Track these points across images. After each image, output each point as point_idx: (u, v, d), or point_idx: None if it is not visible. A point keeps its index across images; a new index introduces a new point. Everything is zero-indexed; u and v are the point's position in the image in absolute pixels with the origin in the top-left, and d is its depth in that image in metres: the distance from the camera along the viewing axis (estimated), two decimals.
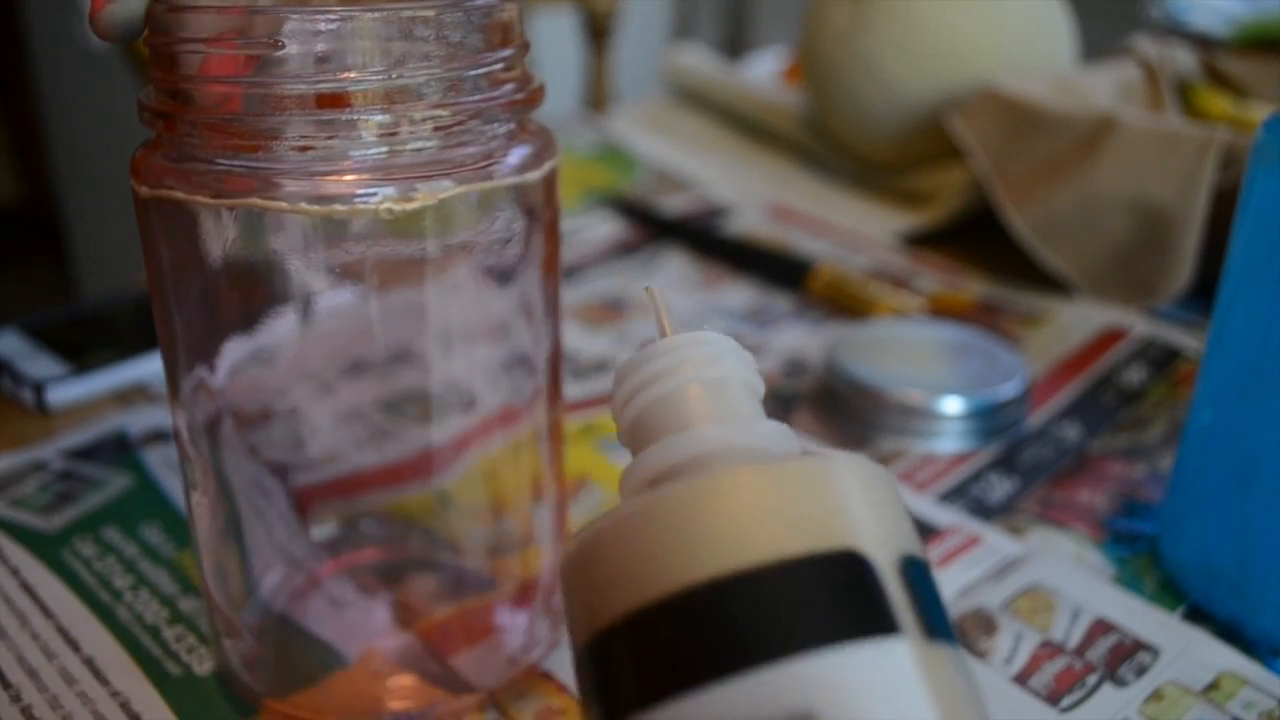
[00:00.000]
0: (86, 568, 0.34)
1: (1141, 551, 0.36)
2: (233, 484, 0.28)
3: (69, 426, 0.42)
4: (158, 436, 0.41)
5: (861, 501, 0.18)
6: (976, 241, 0.60)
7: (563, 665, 0.30)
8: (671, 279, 0.57)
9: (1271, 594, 0.31)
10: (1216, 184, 0.48)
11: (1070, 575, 0.34)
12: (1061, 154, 0.54)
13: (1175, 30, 0.75)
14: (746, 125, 0.78)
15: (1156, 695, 0.30)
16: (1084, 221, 0.52)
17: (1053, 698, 0.30)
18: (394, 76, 0.23)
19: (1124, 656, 0.31)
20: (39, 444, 0.40)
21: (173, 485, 0.38)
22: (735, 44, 1.84)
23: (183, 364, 0.27)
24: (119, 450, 0.40)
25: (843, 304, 0.53)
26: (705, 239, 0.60)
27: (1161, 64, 0.64)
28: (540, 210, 0.27)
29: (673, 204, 0.66)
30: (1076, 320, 0.51)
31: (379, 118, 0.23)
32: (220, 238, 0.24)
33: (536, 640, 0.30)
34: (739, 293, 0.55)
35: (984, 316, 0.52)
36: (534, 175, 0.25)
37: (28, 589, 0.33)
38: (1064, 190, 0.52)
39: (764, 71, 0.94)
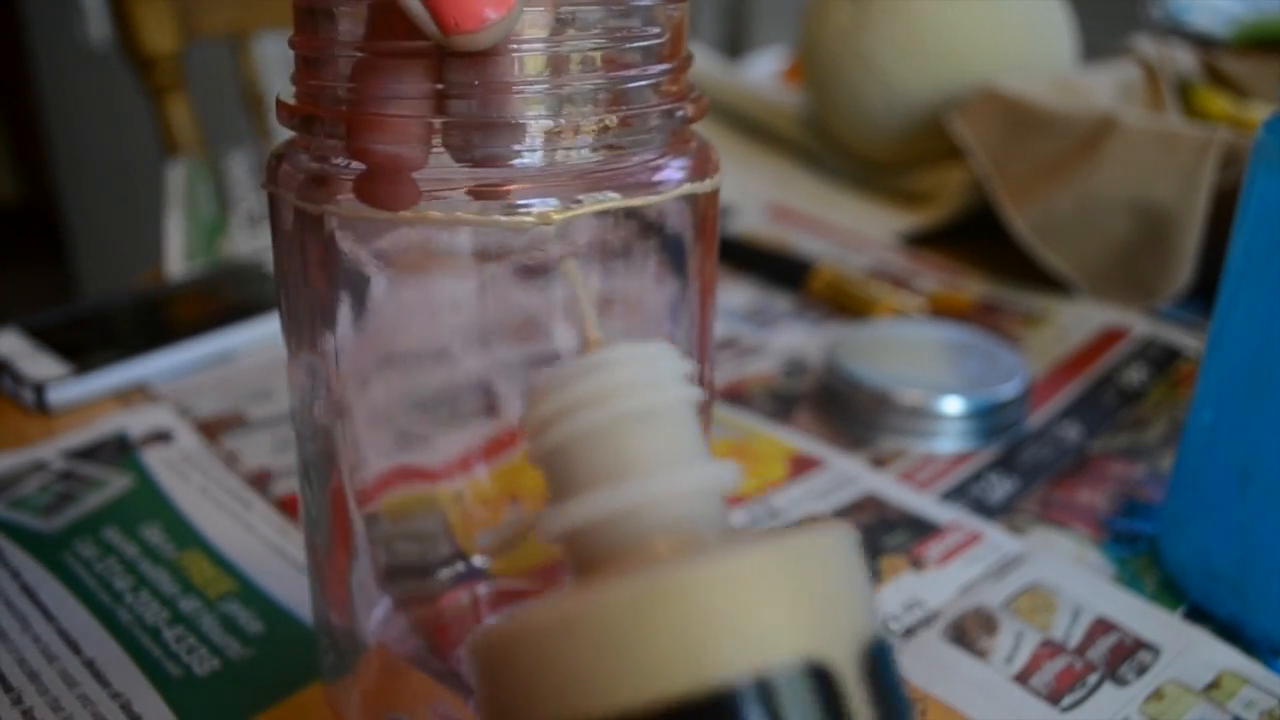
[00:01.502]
0: (87, 569, 0.34)
1: (1142, 551, 0.36)
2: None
3: (69, 426, 0.42)
4: (158, 437, 0.41)
5: (824, 592, 0.16)
6: (976, 241, 0.60)
7: None
8: None
9: (1271, 594, 0.31)
10: (1216, 184, 0.48)
11: (1071, 574, 0.34)
12: (1061, 154, 0.54)
13: (1175, 30, 0.75)
14: (746, 125, 0.78)
15: (1157, 694, 0.30)
16: (1084, 221, 0.52)
17: (1053, 697, 0.30)
18: (560, 83, 0.22)
19: (1124, 656, 0.31)
20: (39, 444, 0.41)
21: (173, 485, 0.38)
22: (735, 44, 1.84)
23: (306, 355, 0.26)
24: (119, 450, 0.40)
25: (843, 304, 0.53)
26: None
27: (1161, 64, 0.64)
28: (700, 226, 0.25)
29: None
30: (1076, 320, 0.51)
31: (544, 124, 0.22)
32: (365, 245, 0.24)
33: None
34: (739, 293, 0.55)
35: (984, 316, 0.52)
36: (698, 189, 0.24)
37: (28, 591, 0.33)
38: (1064, 190, 0.52)
39: (764, 71, 0.94)
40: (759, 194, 0.68)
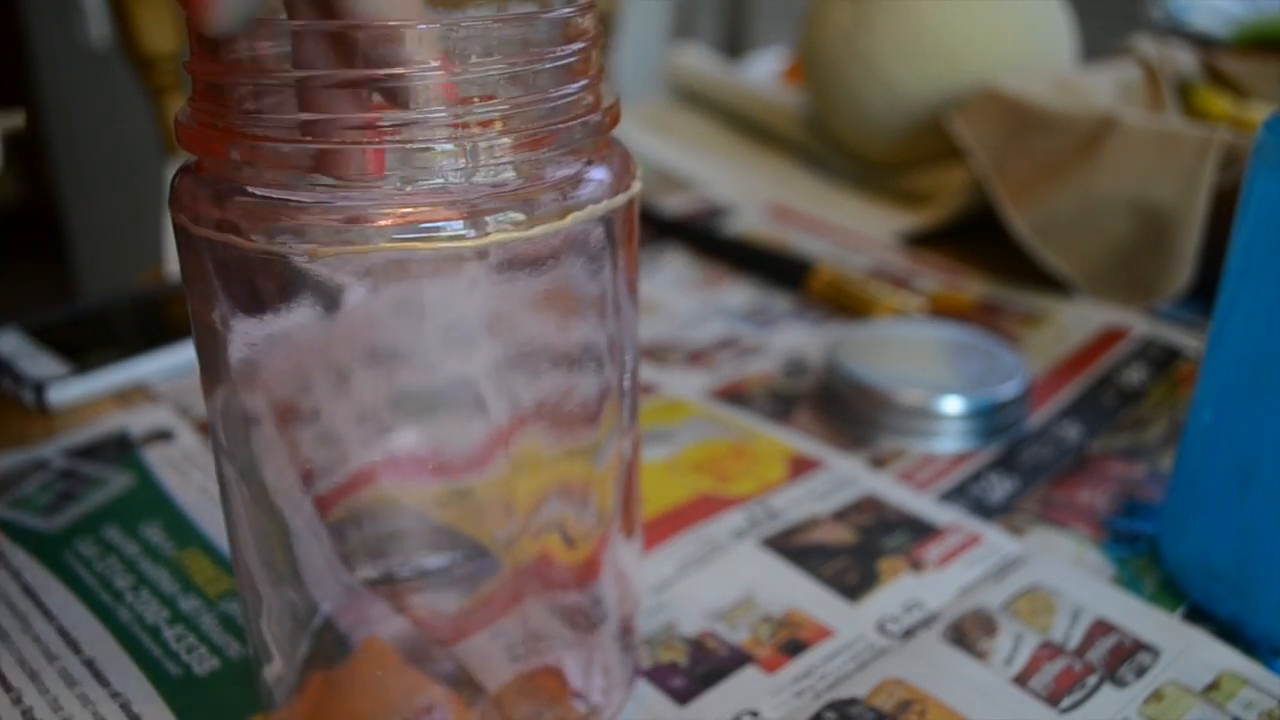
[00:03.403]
0: (87, 568, 0.34)
1: (1141, 551, 0.36)
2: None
3: (70, 426, 0.42)
4: (159, 436, 0.41)
5: None
6: (976, 241, 0.60)
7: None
8: (671, 279, 0.57)
9: (1271, 594, 0.32)
10: (1216, 184, 0.48)
11: (1070, 575, 0.34)
12: (1061, 154, 0.54)
13: (1175, 30, 0.75)
14: (746, 125, 0.78)
15: (1157, 695, 0.30)
16: (1084, 221, 0.52)
17: (1053, 698, 0.30)
18: (464, 112, 0.21)
19: (1124, 657, 0.31)
20: (40, 443, 0.41)
21: (174, 484, 0.38)
22: (735, 44, 1.84)
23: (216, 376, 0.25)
24: (120, 449, 0.40)
25: (843, 304, 0.53)
26: (705, 239, 0.60)
27: (1161, 64, 0.64)
28: (619, 234, 0.25)
29: (673, 204, 0.66)
30: (1076, 320, 0.51)
31: (450, 146, 0.21)
32: (269, 279, 0.23)
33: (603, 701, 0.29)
34: (739, 293, 0.55)
35: (984, 316, 0.52)
36: (617, 200, 0.24)
37: (29, 592, 0.33)
38: (1064, 190, 0.52)
39: (764, 71, 0.94)
40: (759, 194, 0.68)
